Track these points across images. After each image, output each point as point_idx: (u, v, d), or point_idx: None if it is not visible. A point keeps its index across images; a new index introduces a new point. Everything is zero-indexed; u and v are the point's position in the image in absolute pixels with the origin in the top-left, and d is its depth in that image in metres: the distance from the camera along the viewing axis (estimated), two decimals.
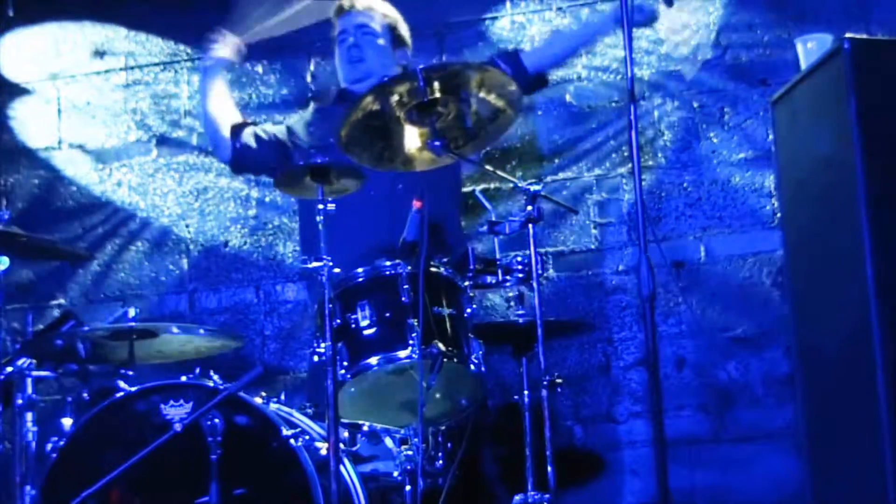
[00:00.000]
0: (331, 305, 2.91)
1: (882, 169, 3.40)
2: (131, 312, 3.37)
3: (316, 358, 2.93)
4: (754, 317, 4.30)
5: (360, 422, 3.14)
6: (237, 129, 3.95)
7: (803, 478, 3.91)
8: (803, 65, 3.90)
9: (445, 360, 2.93)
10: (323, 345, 2.89)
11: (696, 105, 4.45)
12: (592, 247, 4.47)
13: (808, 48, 3.85)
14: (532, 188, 3.11)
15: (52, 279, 4.88)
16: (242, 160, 3.98)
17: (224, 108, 3.98)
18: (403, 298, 2.99)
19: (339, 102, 3.86)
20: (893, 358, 3.31)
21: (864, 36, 4.16)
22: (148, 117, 4.95)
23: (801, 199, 3.90)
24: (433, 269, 3.07)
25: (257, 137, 3.95)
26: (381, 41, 3.86)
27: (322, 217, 2.94)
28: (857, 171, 3.42)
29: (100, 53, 5.02)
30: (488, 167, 3.47)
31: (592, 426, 4.38)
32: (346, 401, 3.00)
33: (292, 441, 3.02)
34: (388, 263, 3.06)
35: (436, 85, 2.98)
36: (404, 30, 3.97)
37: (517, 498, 3.05)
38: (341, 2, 3.91)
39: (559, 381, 3.06)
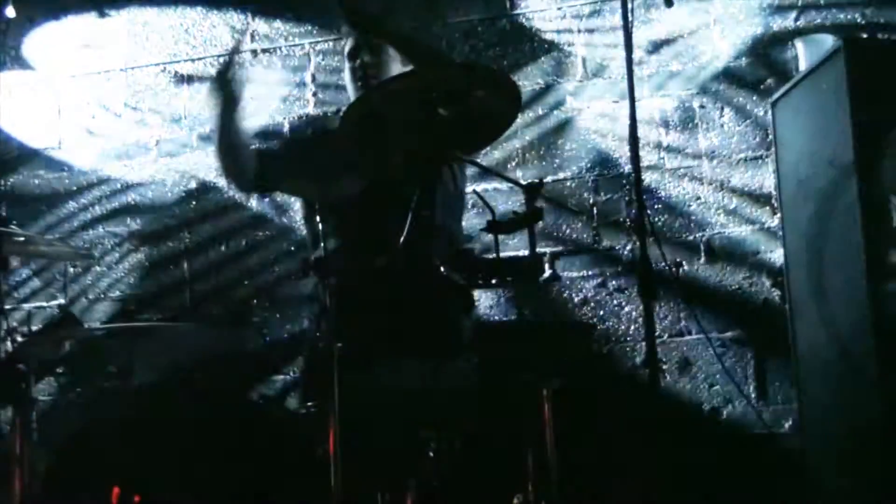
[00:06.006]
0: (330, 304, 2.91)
1: (882, 169, 3.41)
2: (130, 312, 3.38)
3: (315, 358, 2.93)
4: (754, 317, 4.29)
5: None
6: (259, 151, 3.89)
7: (803, 478, 3.92)
8: (803, 65, 3.90)
9: None
10: (323, 344, 2.89)
11: (696, 105, 4.44)
12: (592, 247, 4.46)
13: (809, 48, 3.85)
14: (532, 187, 3.12)
15: (52, 279, 4.88)
16: (268, 172, 3.77)
17: (241, 136, 3.75)
18: (403, 297, 2.99)
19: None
20: (893, 358, 3.31)
21: (864, 36, 4.17)
22: (148, 117, 4.96)
23: (801, 199, 3.90)
24: (432, 270, 3.07)
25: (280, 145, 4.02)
26: (390, 61, 3.83)
27: (322, 217, 2.94)
28: (857, 171, 3.42)
29: (100, 53, 5.02)
30: (488, 167, 3.46)
31: None
32: None
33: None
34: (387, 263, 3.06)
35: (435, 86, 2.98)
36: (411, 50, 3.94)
37: (517, 498, 3.05)
38: (352, 18, 3.89)
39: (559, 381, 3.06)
